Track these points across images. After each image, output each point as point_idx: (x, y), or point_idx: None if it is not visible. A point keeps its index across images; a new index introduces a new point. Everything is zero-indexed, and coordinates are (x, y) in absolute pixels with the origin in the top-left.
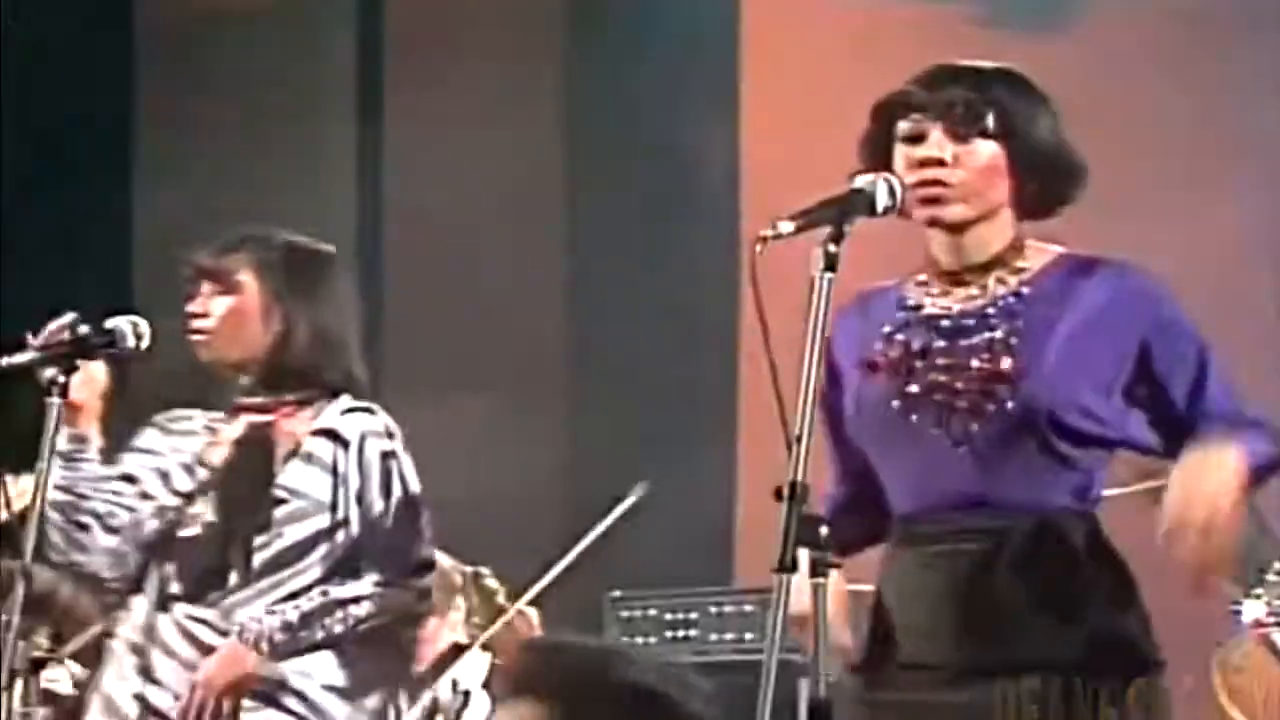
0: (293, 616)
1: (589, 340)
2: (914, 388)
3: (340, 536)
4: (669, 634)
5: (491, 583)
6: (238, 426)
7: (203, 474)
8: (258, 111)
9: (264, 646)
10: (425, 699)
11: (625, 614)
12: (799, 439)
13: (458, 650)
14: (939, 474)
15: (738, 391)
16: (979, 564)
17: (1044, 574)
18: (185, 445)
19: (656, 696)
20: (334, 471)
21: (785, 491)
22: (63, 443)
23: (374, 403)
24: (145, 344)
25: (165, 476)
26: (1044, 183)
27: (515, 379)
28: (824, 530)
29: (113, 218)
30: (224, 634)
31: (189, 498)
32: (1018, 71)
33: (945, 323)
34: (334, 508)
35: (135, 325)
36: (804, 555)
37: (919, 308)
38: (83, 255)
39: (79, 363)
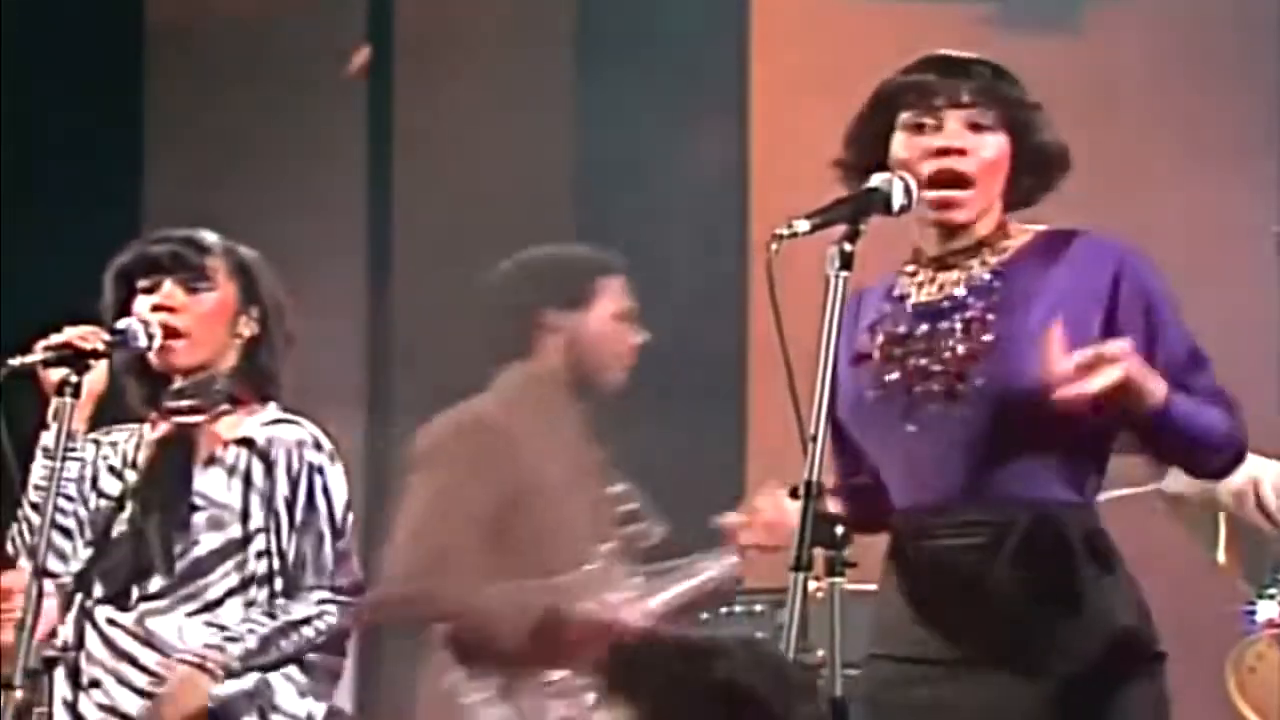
0: (252, 644)
1: None
2: (894, 375)
3: (253, 549)
4: None
5: None
6: (161, 428)
7: (131, 477)
8: (268, 111)
9: (220, 674)
10: None
11: None
12: (814, 438)
13: None
14: (930, 464)
15: (746, 389)
16: (979, 558)
17: (1042, 568)
18: (113, 451)
19: (752, 695)
20: (248, 481)
21: (801, 490)
22: (49, 439)
23: (373, 406)
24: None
25: (94, 481)
26: (1039, 175)
27: None
28: (839, 530)
29: (120, 217)
30: (143, 640)
31: (118, 500)
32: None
33: (927, 308)
34: (246, 518)
35: (147, 325)
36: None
37: (904, 297)
38: (88, 255)
39: (90, 362)
